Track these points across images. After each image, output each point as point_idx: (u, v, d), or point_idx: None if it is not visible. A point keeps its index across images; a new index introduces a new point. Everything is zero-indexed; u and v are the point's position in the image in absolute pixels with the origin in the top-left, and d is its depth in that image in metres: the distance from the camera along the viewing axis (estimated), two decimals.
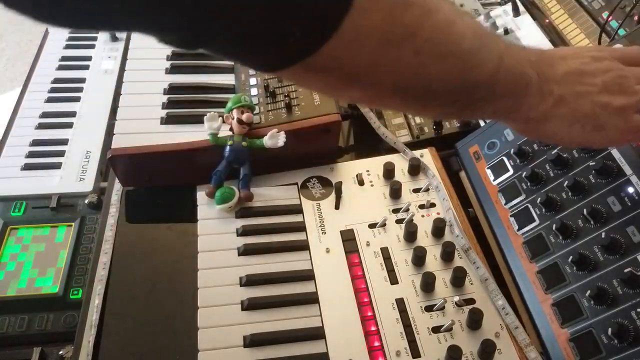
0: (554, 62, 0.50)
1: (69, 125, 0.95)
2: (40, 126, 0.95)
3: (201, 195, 0.75)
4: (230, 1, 0.30)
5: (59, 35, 1.14)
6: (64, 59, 1.09)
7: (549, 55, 0.51)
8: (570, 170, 0.66)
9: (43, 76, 1.05)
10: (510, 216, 0.69)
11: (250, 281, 0.66)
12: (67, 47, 1.12)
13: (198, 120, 0.75)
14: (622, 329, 0.53)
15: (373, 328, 0.62)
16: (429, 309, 0.63)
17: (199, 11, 0.29)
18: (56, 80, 1.04)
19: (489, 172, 0.75)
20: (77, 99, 1.01)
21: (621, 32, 0.83)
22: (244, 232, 0.71)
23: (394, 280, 0.66)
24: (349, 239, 0.70)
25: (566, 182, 0.65)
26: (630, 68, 0.54)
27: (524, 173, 0.69)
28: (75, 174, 0.88)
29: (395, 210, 0.73)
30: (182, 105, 0.82)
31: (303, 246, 0.70)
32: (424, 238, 0.70)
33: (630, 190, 0.60)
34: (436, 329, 0.61)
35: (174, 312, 0.66)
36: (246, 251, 0.69)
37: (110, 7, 0.28)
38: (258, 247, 0.70)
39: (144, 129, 0.78)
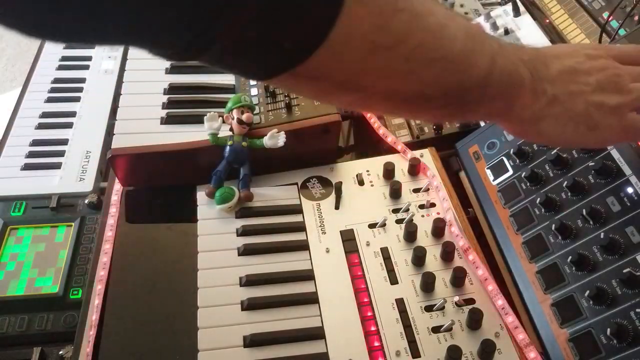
0: (548, 61, 0.50)
1: (69, 125, 0.95)
2: (40, 126, 0.95)
3: (201, 195, 0.75)
4: (225, 8, 0.29)
5: None
6: (64, 59, 1.09)
7: (543, 53, 0.51)
8: (570, 171, 0.66)
9: (43, 76, 1.05)
10: (510, 216, 0.69)
11: (250, 281, 0.66)
12: (67, 47, 1.12)
13: (198, 120, 0.75)
14: (622, 329, 0.54)
15: (373, 328, 0.62)
16: (429, 309, 0.63)
17: (199, 13, 0.29)
18: (56, 80, 1.04)
19: (488, 172, 0.75)
20: (77, 99, 1.01)
21: (621, 32, 0.83)
22: (244, 232, 0.71)
23: (394, 280, 0.66)
24: (349, 239, 0.70)
25: (565, 183, 0.65)
26: (625, 67, 0.53)
27: (524, 173, 0.69)
28: (75, 174, 0.88)
29: (395, 210, 0.73)
30: (182, 105, 0.82)
31: (303, 246, 0.70)
32: (424, 238, 0.70)
33: (630, 190, 0.60)
34: (436, 329, 0.61)
35: (174, 312, 0.66)
36: (246, 251, 0.69)
37: (105, 12, 0.28)
38: (258, 247, 0.70)
39: (144, 129, 0.78)
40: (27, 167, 0.88)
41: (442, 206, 0.73)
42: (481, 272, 0.65)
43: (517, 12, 0.97)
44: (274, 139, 0.73)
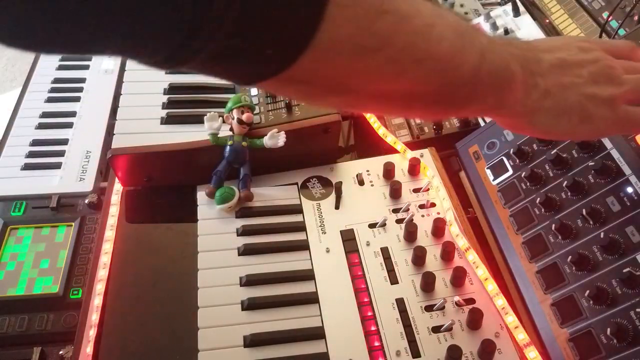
0: (540, 54, 0.49)
1: (69, 125, 0.95)
2: (40, 126, 0.95)
3: (201, 195, 0.75)
4: (203, 22, 0.29)
5: None
6: (64, 58, 1.09)
7: (534, 47, 0.50)
8: (570, 170, 0.66)
9: (43, 76, 1.05)
10: (510, 216, 0.69)
11: (250, 281, 0.66)
12: None
13: (198, 120, 0.75)
14: (622, 328, 0.54)
15: (373, 328, 0.62)
16: (429, 308, 0.63)
17: (178, 26, 0.28)
18: (56, 80, 1.04)
19: (488, 172, 0.75)
20: (77, 99, 1.01)
21: (621, 32, 0.83)
22: (244, 232, 0.71)
23: (394, 280, 0.66)
24: (349, 238, 0.70)
25: (565, 182, 0.65)
26: (618, 59, 0.53)
27: (524, 173, 0.69)
28: (75, 174, 0.88)
29: (395, 210, 0.73)
30: (182, 105, 0.82)
31: (303, 246, 0.70)
32: (424, 238, 0.70)
33: (630, 190, 0.60)
34: (436, 329, 0.61)
35: (174, 312, 0.66)
36: (246, 251, 0.69)
37: (87, 21, 0.27)
38: (258, 247, 0.70)
39: (144, 129, 0.78)
40: (27, 167, 0.88)
41: (442, 206, 0.73)
42: (481, 272, 0.65)
43: (517, 12, 0.97)
44: (274, 139, 0.73)
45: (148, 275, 0.70)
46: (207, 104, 0.82)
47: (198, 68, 0.34)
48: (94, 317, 0.65)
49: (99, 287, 0.67)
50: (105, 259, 0.70)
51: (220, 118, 0.74)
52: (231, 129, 0.75)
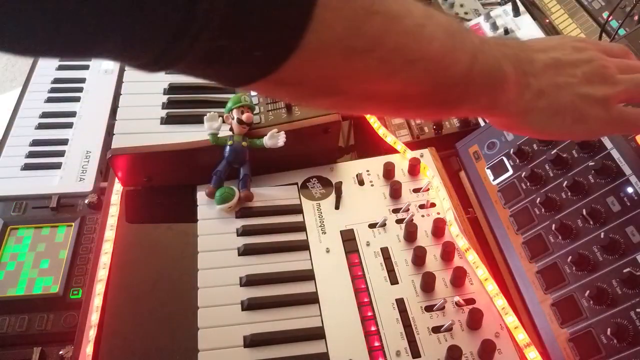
0: (533, 54, 0.49)
1: (69, 125, 0.95)
2: (40, 126, 0.95)
3: (201, 195, 0.75)
4: (188, 25, 0.28)
5: None
6: (64, 58, 1.09)
7: (528, 47, 0.50)
8: (570, 170, 0.66)
9: (43, 76, 1.05)
10: (510, 216, 0.69)
11: (250, 281, 0.66)
12: None
13: (198, 120, 0.75)
14: (622, 329, 0.54)
15: (373, 328, 0.62)
16: (429, 309, 0.63)
17: (162, 29, 0.28)
18: (56, 80, 1.04)
19: (488, 172, 0.75)
20: (77, 99, 1.01)
21: (621, 32, 0.83)
22: (244, 232, 0.71)
23: (394, 280, 0.66)
24: (349, 239, 0.70)
25: (565, 182, 0.65)
26: (612, 59, 0.53)
27: (524, 173, 0.69)
28: (75, 174, 0.88)
29: (395, 210, 0.73)
30: (182, 105, 0.82)
31: (303, 246, 0.70)
32: (424, 238, 0.70)
33: (630, 190, 0.60)
34: (436, 329, 0.61)
35: (174, 312, 0.66)
36: (246, 251, 0.69)
37: (73, 24, 0.27)
38: (258, 247, 0.70)
39: (144, 129, 0.78)
40: (27, 167, 0.88)
41: (442, 206, 0.73)
42: (481, 272, 0.65)
43: (517, 12, 0.97)
44: (274, 139, 0.73)
45: (148, 275, 0.70)
46: (207, 104, 0.82)
47: (187, 70, 0.34)
48: (94, 317, 0.65)
49: (99, 287, 0.67)
50: (105, 259, 0.70)
51: (220, 118, 0.74)
52: (231, 129, 0.75)
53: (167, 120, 0.79)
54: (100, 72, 1.06)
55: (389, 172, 0.76)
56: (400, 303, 0.64)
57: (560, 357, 0.57)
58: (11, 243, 0.78)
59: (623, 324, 0.54)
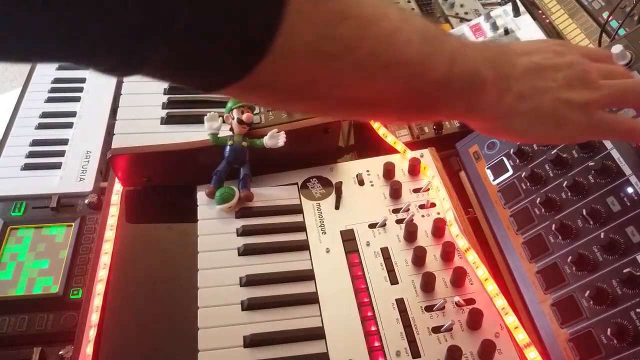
0: (514, 58, 0.48)
1: (69, 125, 0.95)
2: (40, 126, 0.95)
3: (201, 195, 0.75)
4: (150, 28, 0.28)
5: None
6: None
7: (510, 50, 0.50)
8: (570, 171, 0.66)
9: (43, 76, 1.05)
10: (510, 216, 0.69)
11: (250, 281, 0.66)
12: None
13: (198, 120, 0.75)
14: (622, 329, 0.54)
15: (373, 328, 0.62)
16: (429, 309, 0.63)
17: (124, 33, 0.28)
18: (56, 80, 1.04)
19: (488, 172, 0.75)
20: (77, 99, 1.01)
21: (621, 32, 0.83)
22: (244, 232, 0.71)
23: (394, 280, 0.66)
24: (349, 239, 0.70)
25: (565, 182, 0.65)
26: (594, 63, 0.52)
27: (524, 173, 0.69)
28: (75, 174, 0.88)
29: (395, 210, 0.73)
30: (182, 105, 0.82)
31: (303, 246, 0.70)
32: (424, 238, 0.70)
33: (630, 190, 0.60)
34: (436, 329, 0.61)
35: (174, 312, 0.66)
36: (246, 251, 0.69)
37: (38, 29, 0.26)
38: (258, 247, 0.70)
39: (144, 129, 0.78)
40: (27, 167, 0.88)
41: (442, 206, 0.73)
42: (481, 273, 0.65)
43: (517, 12, 0.97)
44: (274, 139, 0.73)
45: (148, 275, 0.70)
46: (207, 104, 0.82)
47: (157, 75, 0.33)
48: (93, 317, 0.65)
49: (99, 287, 0.67)
50: (105, 259, 0.70)
51: (220, 118, 0.74)
52: (231, 129, 0.75)
53: (167, 120, 0.79)
54: None
55: (389, 172, 0.76)
56: (400, 303, 0.64)
57: (560, 357, 0.57)
58: (11, 243, 0.78)
59: (623, 324, 0.54)
